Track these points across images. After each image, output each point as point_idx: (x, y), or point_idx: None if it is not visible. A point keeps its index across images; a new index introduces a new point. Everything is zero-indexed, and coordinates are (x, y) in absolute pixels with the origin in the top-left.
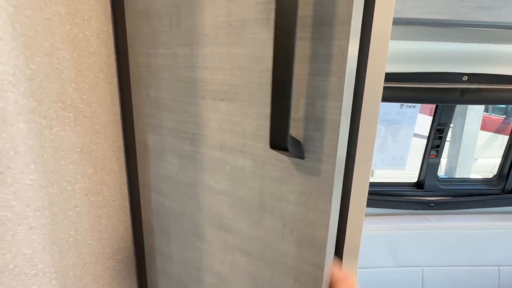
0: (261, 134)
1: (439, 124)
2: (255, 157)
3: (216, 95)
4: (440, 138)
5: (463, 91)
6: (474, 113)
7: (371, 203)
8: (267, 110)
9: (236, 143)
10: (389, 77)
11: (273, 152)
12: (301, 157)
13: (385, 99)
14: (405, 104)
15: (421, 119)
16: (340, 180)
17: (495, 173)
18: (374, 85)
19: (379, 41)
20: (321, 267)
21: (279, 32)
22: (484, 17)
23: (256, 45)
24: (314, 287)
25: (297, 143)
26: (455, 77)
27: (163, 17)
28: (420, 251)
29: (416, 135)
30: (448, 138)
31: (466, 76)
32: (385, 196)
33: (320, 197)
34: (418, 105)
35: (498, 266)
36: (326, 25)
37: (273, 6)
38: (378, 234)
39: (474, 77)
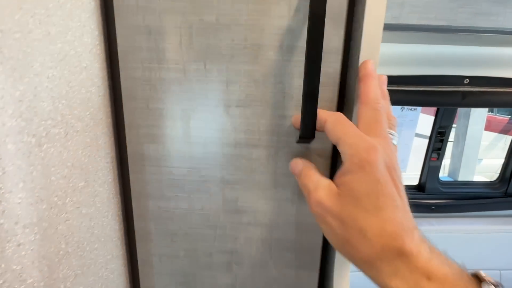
0: (274, 130)
1: (440, 127)
2: (268, 148)
3: (231, 103)
4: (442, 141)
5: (464, 94)
6: (478, 114)
7: None
8: (280, 111)
9: (251, 140)
10: (389, 80)
11: (283, 140)
12: (310, 140)
13: None
14: (406, 106)
15: (423, 119)
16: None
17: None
18: None
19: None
20: None
21: (310, 58)
22: (483, 23)
23: (271, 65)
24: (317, 230)
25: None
26: (456, 80)
27: (170, 35)
28: None
29: (418, 135)
30: (452, 139)
31: (467, 79)
32: None
33: (321, 166)
34: (419, 108)
35: (499, 270)
36: (325, 53)
37: (284, 36)
38: None
39: (476, 80)
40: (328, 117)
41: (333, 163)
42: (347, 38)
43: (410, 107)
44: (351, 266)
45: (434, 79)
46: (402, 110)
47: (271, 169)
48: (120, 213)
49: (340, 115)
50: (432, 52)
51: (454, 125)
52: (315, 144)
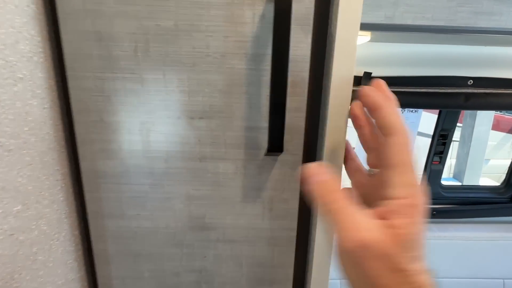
0: (241, 142)
1: (442, 129)
2: (236, 162)
3: (194, 115)
4: (444, 144)
5: (467, 96)
6: (485, 114)
7: None
8: (246, 123)
9: (217, 153)
10: (390, 81)
11: (253, 153)
12: (279, 153)
13: None
14: (407, 108)
15: (426, 118)
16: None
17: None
18: (340, 95)
19: (342, 65)
20: (293, 229)
21: (276, 67)
22: (484, 23)
23: (235, 74)
24: (290, 245)
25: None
26: (459, 81)
27: (124, 41)
28: None
29: (420, 133)
30: (457, 138)
31: (471, 80)
32: None
33: (292, 180)
34: (421, 109)
35: (502, 279)
36: (292, 61)
37: (249, 44)
38: None
39: (480, 81)
40: (396, 119)
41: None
42: (318, 45)
43: (411, 109)
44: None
45: (436, 80)
46: (402, 112)
47: (239, 183)
48: (77, 233)
49: (408, 135)
50: (434, 52)
51: (460, 125)
52: (285, 156)
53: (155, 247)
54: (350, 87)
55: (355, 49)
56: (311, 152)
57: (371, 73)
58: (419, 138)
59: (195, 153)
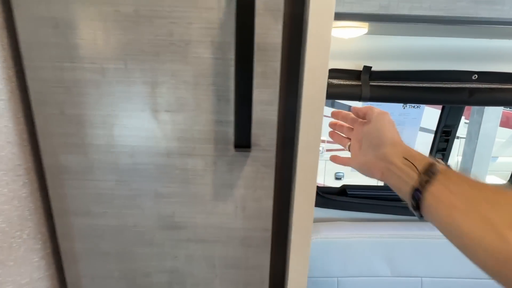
0: (210, 137)
1: (445, 126)
2: (205, 157)
3: (159, 108)
4: (447, 140)
5: (472, 91)
6: (493, 110)
7: (367, 207)
8: (215, 116)
9: (185, 148)
10: (390, 75)
11: (224, 149)
12: (250, 149)
13: (386, 99)
14: (408, 104)
15: (429, 113)
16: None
17: None
18: (314, 88)
19: (316, 54)
20: (268, 229)
21: (240, 56)
22: (485, 13)
23: (202, 63)
24: (265, 245)
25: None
26: (463, 75)
27: (82, 29)
28: (420, 261)
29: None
30: (464, 135)
31: (476, 75)
32: (382, 201)
33: (265, 177)
34: (423, 105)
35: None
36: (261, 50)
37: (215, 31)
38: (374, 241)
39: (485, 76)
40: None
41: (279, 174)
42: (292, 33)
43: (413, 104)
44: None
45: (438, 75)
46: (404, 108)
47: (209, 180)
48: (44, 231)
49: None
50: (436, 45)
51: (466, 121)
52: (257, 152)
53: (124, 246)
54: (325, 77)
55: (329, 37)
56: (286, 148)
57: (370, 67)
58: (421, 134)
59: (162, 148)
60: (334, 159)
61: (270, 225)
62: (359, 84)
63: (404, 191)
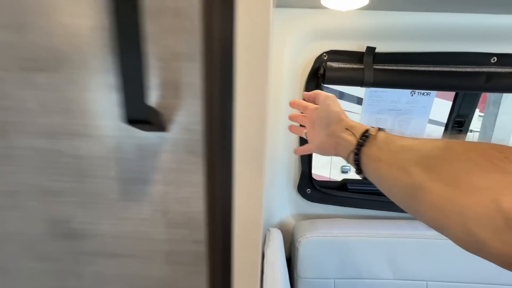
0: (109, 110)
1: (458, 116)
2: (104, 139)
3: (29, 64)
4: (460, 132)
5: (489, 75)
6: (510, 101)
7: (368, 204)
8: (112, 78)
9: (72, 126)
10: (397, 58)
11: (130, 129)
12: (164, 129)
13: (391, 84)
14: (417, 90)
15: (438, 104)
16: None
17: None
18: (254, 37)
19: None
20: (201, 241)
21: None
22: None
23: None
24: (198, 263)
25: (157, 114)
26: (480, 58)
27: None
28: (425, 263)
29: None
30: (478, 129)
31: (495, 58)
32: (385, 197)
33: (192, 170)
34: (433, 93)
35: (500, 285)
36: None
37: None
38: (375, 241)
39: (505, 59)
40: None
41: (211, 164)
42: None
43: (422, 91)
44: None
45: (452, 57)
46: (412, 95)
47: (113, 173)
48: None
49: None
50: (449, 23)
51: (481, 114)
52: (181, 135)
53: (8, 260)
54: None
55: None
56: (220, 128)
57: (374, 48)
58: (430, 126)
59: (40, 125)
60: (296, 151)
61: (203, 235)
62: (361, 67)
63: (350, 159)
